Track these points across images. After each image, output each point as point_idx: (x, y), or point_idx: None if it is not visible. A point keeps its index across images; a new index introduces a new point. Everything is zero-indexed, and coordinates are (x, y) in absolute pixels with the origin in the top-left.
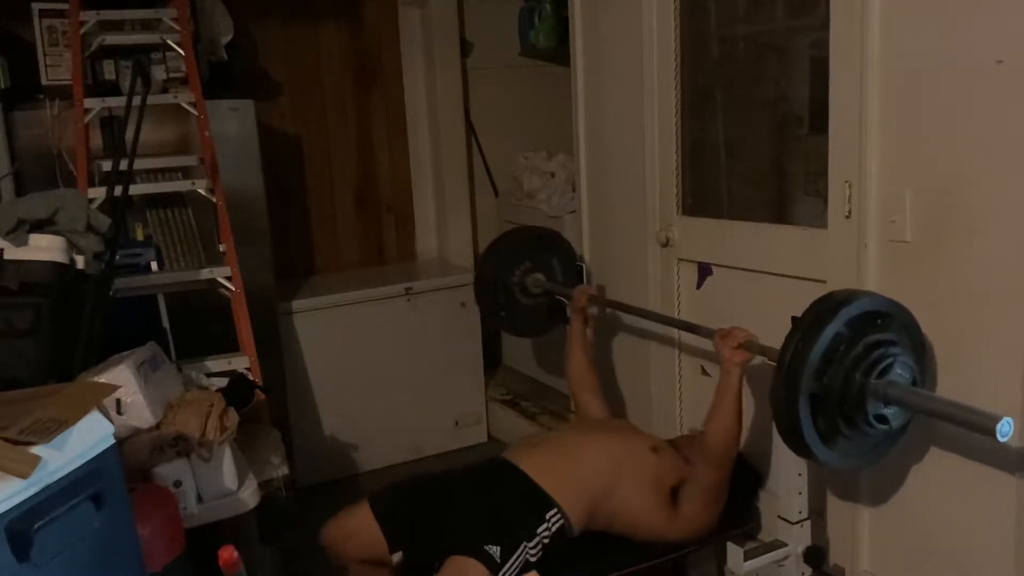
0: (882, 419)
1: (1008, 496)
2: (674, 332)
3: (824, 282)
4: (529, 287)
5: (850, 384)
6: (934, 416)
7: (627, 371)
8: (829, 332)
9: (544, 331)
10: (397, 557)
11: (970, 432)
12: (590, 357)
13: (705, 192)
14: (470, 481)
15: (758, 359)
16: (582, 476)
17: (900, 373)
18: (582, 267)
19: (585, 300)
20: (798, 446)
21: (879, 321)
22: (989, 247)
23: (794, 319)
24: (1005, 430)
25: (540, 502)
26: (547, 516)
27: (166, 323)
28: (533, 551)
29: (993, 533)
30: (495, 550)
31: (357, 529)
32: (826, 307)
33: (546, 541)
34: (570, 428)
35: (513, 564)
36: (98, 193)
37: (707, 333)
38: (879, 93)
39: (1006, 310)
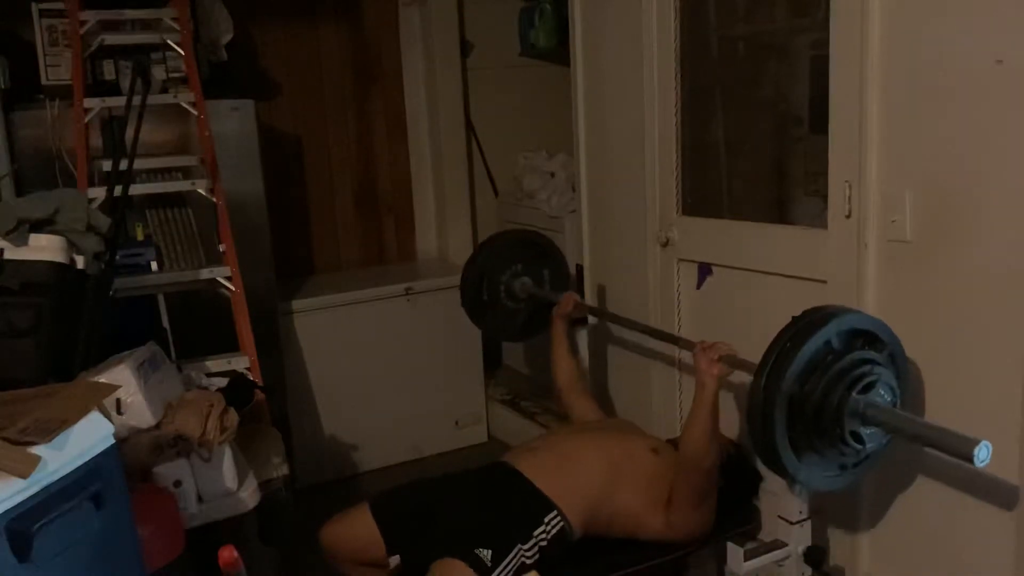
0: (857, 438)
1: (1009, 497)
2: (674, 332)
3: (824, 282)
4: (516, 290)
5: (831, 395)
6: (911, 439)
7: (627, 371)
8: (819, 338)
9: (518, 337)
10: (395, 560)
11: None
12: (575, 360)
13: (705, 192)
14: (469, 484)
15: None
16: (581, 478)
17: (882, 394)
18: (580, 268)
19: (571, 306)
20: (768, 451)
21: (868, 341)
22: (989, 246)
23: (793, 319)
24: (982, 455)
25: (539, 505)
26: (545, 519)
27: (166, 323)
28: (529, 553)
29: (993, 533)
30: (486, 553)
31: (356, 531)
32: (820, 315)
33: (544, 544)
34: (569, 430)
35: (506, 567)
36: (98, 193)
37: (688, 346)
38: (879, 93)
39: (1006, 309)
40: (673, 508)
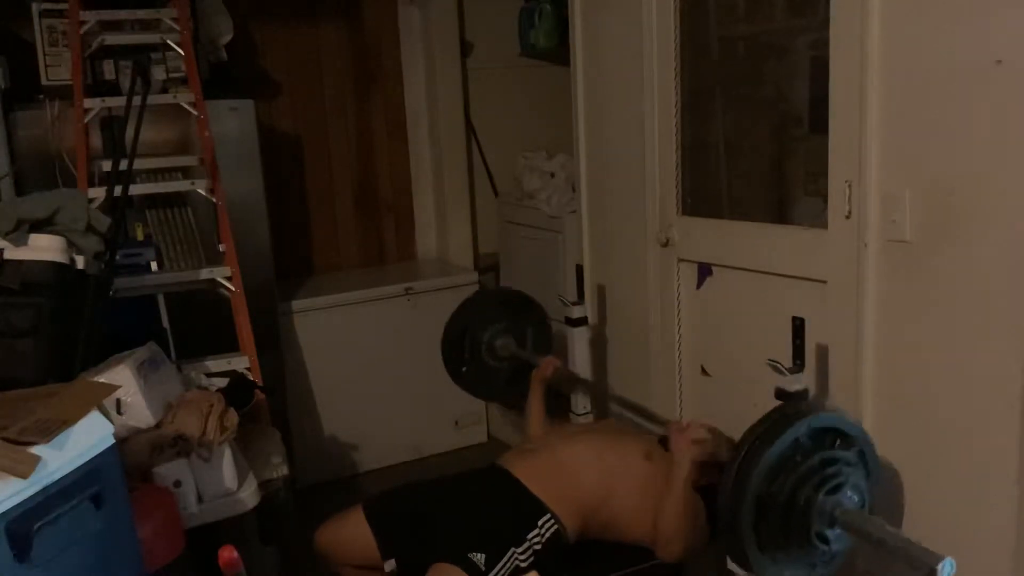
0: (824, 539)
1: (1008, 495)
2: (674, 332)
3: (824, 282)
4: (497, 349)
5: (799, 495)
6: (875, 546)
7: (627, 371)
8: (789, 437)
9: (497, 397)
10: (390, 565)
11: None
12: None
13: (705, 192)
14: (463, 488)
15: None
16: (574, 482)
17: (850, 495)
18: (580, 268)
19: (551, 371)
20: (735, 548)
21: (839, 440)
22: (989, 247)
23: (755, 425)
24: (946, 572)
25: (532, 508)
26: (539, 522)
27: (166, 323)
28: (523, 557)
29: (993, 531)
30: (479, 557)
31: (350, 535)
32: (790, 413)
33: (538, 547)
34: (565, 434)
35: (500, 570)
36: (98, 193)
37: (665, 424)
38: (879, 93)
39: (1006, 310)
40: (660, 546)
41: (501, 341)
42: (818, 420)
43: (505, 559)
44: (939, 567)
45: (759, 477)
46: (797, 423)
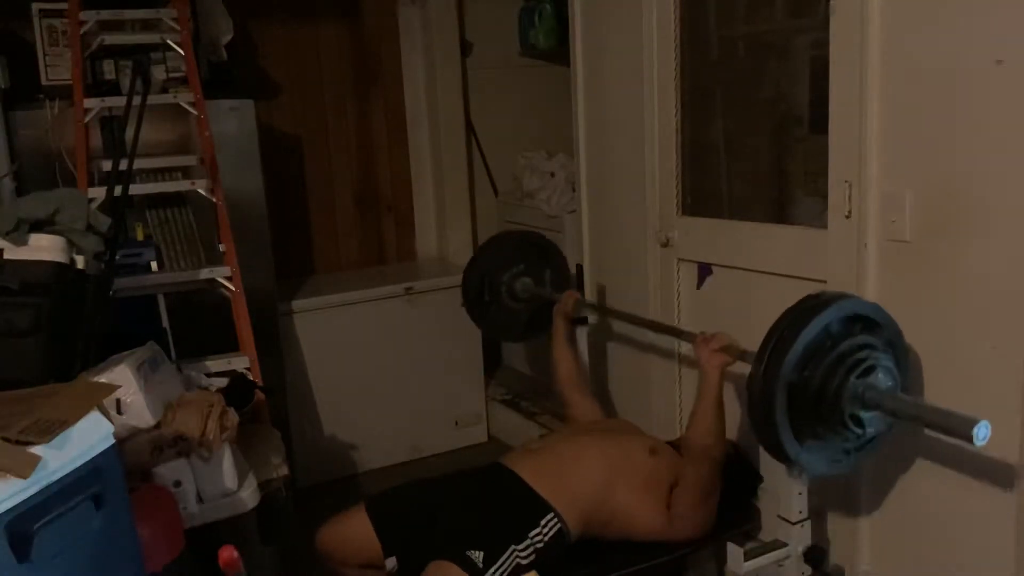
0: (858, 421)
1: (1007, 493)
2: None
3: (824, 282)
4: (517, 291)
5: (830, 380)
6: (909, 420)
7: (627, 371)
8: (818, 324)
9: (520, 337)
10: (391, 563)
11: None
12: (576, 358)
13: (705, 192)
14: (466, 486)
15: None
16: (579, 480)
17: (881, 378)
18: (580, 267)
19: (572, 304)
20: (770, 438)
21: (866, 326)
22: (989, 247)
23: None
24: (981, 434)
25: (535, 506)
26: (542, 521)
27: (166, 323)
28: (524, 554)
29: (993, 531)
30: (478, 555)
31: (353, 533)
32: (818, 302)
33: (540, 545)
34: (568, 432)
35: (499, 568)
36: (98, 193)
37: (690, 338)
38: (879, 93)
39: (1006, 310)
40: (678, 504)
41: (521, 282)
42: (845, 307)
43: (505, 557)
44: (975, 430)
45: (790, 365)
46: (826, 310)
